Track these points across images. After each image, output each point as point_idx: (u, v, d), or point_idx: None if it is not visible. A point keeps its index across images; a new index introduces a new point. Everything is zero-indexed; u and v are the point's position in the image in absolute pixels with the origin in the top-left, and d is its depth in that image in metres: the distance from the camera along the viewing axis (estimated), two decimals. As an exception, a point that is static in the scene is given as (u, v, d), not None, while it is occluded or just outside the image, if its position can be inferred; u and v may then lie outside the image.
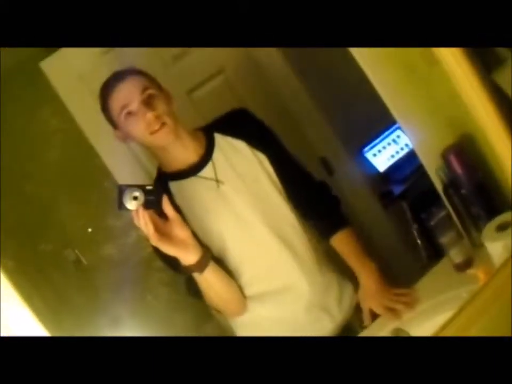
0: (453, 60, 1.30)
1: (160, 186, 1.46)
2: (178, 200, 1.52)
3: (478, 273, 1.39)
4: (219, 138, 1.59)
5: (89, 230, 2.04)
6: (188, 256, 1.39)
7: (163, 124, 1.45)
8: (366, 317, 1.59)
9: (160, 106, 1.46)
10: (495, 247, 1.33)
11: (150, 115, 1.43)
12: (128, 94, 1.45)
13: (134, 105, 1.44)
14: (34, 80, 1.89)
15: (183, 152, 1.54)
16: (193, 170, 1.55)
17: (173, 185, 1.54)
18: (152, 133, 1.45)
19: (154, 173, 1.63)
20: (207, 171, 1.55)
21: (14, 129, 1.92)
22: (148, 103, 1.45)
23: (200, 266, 1.41)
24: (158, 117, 1.44)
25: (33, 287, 1.41)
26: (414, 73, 1.48)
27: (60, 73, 1.88)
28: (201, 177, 1.54)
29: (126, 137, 1.52)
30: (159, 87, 1.52)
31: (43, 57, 1.85)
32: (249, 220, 1.54)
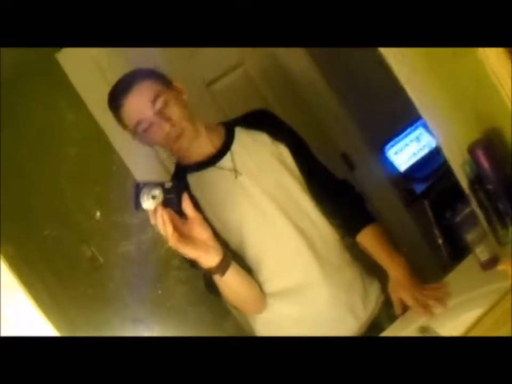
0: (482, 52, 1.27)
1: (180, 183, 1.39)
2: (196, 192, 1.48)
3: (504, 271, 1.35)
4: (239, 131, 1.56)
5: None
6: (209, 259, 1.31)
7: (182, 130, 1.43)
8: (396, 307, 1.53)
9: (176, 112, 1.42)
10: (523, 245, 1.29)
11: (167, 126, 1.40)
12: (140, 108, 1.40)
13: (149, 119, 1.40)
14: (51, 72, 1.87)
15: (200, 146, 1.51)
16: (211, 161, 1.51)
17: (191, 177, 1.51)
18: (172, 141, 1.43)
19: (172, 168, 1.60)
20: (225, 162, 1.51)
21: (30, 122, 1.91)
22: (162, 112, 1.40)
23: (221, 269, 1.33)
24: (175, 125, 1.41)
25: (45, 288, 1.39)
26: (441, 65, 1.44)
27: (76, 64, 1.86)
28: (219, 167, 1.51)
29: (144, 143, 1.50)
30: (169, 85, 1.47)
31: (59, 48, 1.81)
32: (268, 211, 1.49)
